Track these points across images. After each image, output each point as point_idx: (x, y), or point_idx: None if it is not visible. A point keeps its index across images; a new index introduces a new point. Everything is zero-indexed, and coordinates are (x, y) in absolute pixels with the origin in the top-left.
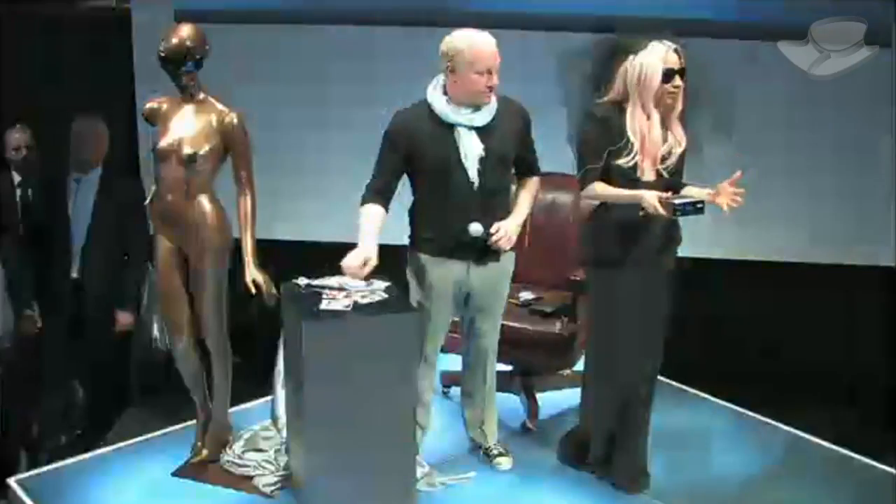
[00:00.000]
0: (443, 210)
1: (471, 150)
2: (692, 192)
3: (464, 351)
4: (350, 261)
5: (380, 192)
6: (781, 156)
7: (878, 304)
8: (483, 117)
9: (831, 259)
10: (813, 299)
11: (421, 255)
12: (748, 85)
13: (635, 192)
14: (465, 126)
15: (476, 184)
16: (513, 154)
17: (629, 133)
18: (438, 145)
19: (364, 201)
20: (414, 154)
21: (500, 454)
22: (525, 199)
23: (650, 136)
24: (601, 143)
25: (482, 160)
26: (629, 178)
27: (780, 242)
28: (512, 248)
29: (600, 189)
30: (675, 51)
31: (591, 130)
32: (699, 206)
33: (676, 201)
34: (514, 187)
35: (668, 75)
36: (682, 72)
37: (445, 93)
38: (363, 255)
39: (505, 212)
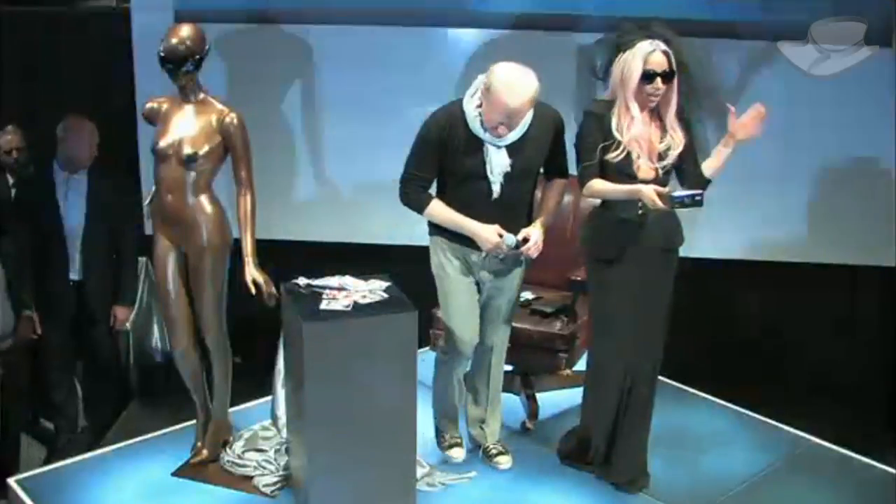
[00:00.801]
0: (462, 213)
1: (497, 166)
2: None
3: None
4: (491, 237)
5: (427, 188)
6: (782, 156)
7: (878, 304)
8: (513, 136)
9: (831, 259)
10: (813, 299)
11: (441, 239)
12: (748, 85)
13: (633, 186)
14: (494, 145)
15: (497, 196)
16: (540, 164)
17: (614, 130)
18: (468, 154)
19: (425, 202)
20: (445, 157)
21: (500, 453)
22: (551, 202)
23: (643, 135)
24: (596, 140)
25: (507, 175)
26: (626, 175)
27: (781, 242)
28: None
29: (598, 186)
30: (664, 52)
31: (586, 127)
32: (697, 198)
33: (675, 193)
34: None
35: (648, 77)
36: (666, 74)
37: (480, 104)
38: (492, 230)
39: (525, 219)
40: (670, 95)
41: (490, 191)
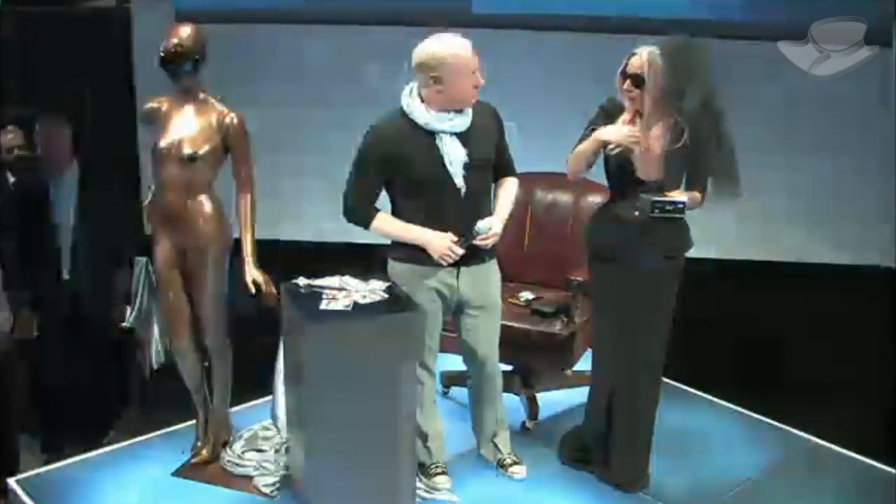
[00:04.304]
0: (430, 219)
1: (455, 157)
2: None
3: (468, 373)
4: (442, 246)
5: (372, 202)
6: (782, 155)
7: (878, 304)
8: (465, 122)
9: (831, 259)
10: (813, 299)
11: (407, 264)
12: (748, 85)
13: (596, 134)
14: (448, 133)
15: (463, 190)
16: (493, 156)
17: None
18: (423, 155)
19: (370, 215)
20: (397, 166)
21: (514, 463)
22: (506, 198)
23: (645, 134)
24: (594, 126)
25: (466, 166)
26: (624, 171)
27: (780, 242)
28: (495, 248)
29: (576, 150)
30: (646, 56)
31: (593, 117)
32: (679, 205)
33: (654, 198)
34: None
35: (623, 76)
36: (634, 77)
37: (422, 100)
38: (445, 237)
39: (488, 214)
40: (644, 100)
41: (455, 186)
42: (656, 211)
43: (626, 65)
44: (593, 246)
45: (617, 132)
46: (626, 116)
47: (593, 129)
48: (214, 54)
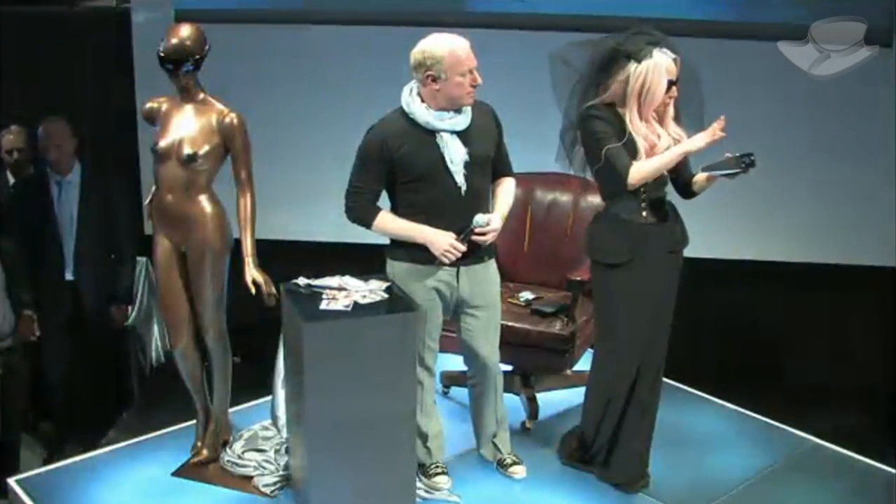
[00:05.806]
0: (431, 217)
1: (456, 156)
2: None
3: (468, 373)
4: (447, 243)
5: (373, 201)
6: (782, 156)
7: (878, 304)
8: (464, 120)
9: (831, 259)
10: (813, 299)
11: (406, 264)
12: (748, 85)
13: (680, 146)
14: (449, 132)
15: (464, 189)
16: (492, 154)
17: (634, 136)
18: (424, 154)
19: (372, 214)
20: (398, 166)
21: (514, 463)
22: (504, 197)
23: (655, 140)
24: (610, 132)
25: (467, 164)
26: None
27: (781, 242)
28: (494, 246)
29: (645, 166)
30: (674, 59)
31: (596, 125)
32: (752, 155)
33: (737, 154)
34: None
35: (668, 85)
36: (676, 81)
37: (422, 99)
38: (447, 235)
39: (487, 212)
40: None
41: (456, 184)
42: (742, 165)
43: (669, 73)
44: (599, 252)
45: (709, 137)
46: (653, 123)
47: (612, 144)
48: (214, 54)
